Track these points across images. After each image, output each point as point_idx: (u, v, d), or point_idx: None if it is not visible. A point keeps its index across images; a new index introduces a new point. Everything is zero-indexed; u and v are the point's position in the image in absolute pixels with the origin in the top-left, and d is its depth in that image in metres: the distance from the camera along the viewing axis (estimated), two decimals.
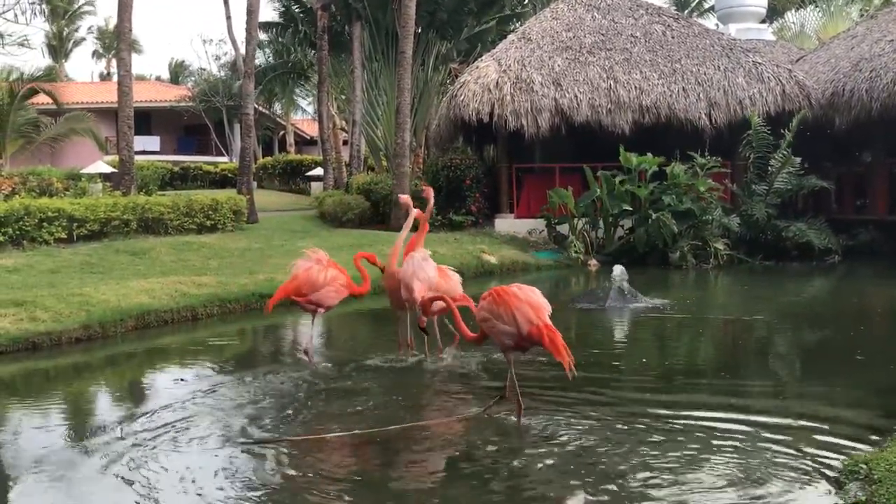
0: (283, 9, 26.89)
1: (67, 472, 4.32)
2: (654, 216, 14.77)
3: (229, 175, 31.90)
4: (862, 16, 26.08)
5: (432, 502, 4.03)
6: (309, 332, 6.74)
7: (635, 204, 15.65)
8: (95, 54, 54.60)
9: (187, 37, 76.25)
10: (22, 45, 26.05)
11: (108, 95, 32.57)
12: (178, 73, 48.86)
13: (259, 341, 8.96)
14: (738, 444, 4.56)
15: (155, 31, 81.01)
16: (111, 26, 46.14)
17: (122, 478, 4.17)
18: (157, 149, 38.05)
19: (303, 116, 46.05)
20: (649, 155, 15.70)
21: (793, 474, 4.09)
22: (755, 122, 16.26)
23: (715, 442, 4.61)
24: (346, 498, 4.01)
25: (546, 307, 4.69)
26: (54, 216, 12.74)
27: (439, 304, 5.44)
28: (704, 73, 17.91)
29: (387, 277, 6.69)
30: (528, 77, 17.66)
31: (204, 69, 43.05)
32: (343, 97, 30.32)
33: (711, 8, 34.66)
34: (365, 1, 22.87)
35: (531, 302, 4.66)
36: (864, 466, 3.91)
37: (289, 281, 6.46)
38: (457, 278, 6.69)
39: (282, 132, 43.81)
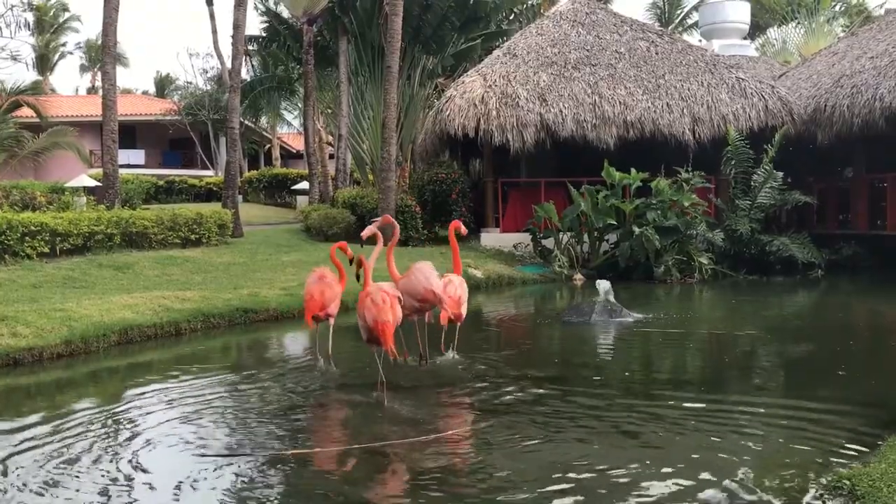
0: (266, 23, 26.91)
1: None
2: (637, 231, 14.83)
3: (214, 189, 31.82)
4: (843, 32, 26.40)
5: None
6: (320, 343, 7.06)
7: (620, 219, 15.72)
8: (82, 68, 54.47)
9: (174, 51, 76.11)
10: (15, 59, 25.97)
11: (92, 109, 32.45)
12: (163, 86, 48.78)
13: (242, 356, 8.89)
14: (719, 459, 4.57)
15: (143, 46, 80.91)
16: (98, 40, 46.03)
17: (94, 489, 4.15)
18: (142, 162, 37.92)
19: (289, 130, 46.03)
20: (633, 170, 15.79)
21: (775, 490, 4.09)
22: (733, 137, 16.41)
23: (696, 456, 4.61)
24: None
25: (387, 312, 5.81)
26: (37, 230, 12.64)
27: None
28: (688, 89, 18.06)
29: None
30: (513, 92, 17.75)
31: (190, 83, 43.01)
32: (329, 111, 30.36)
33: (695, 24, 35.01)
34: (351, 16, 22.93)
35: (378, 305, 5.83)
36: (848, 482, 3.92)
37: (315, 298, 6.71)
38: (457, 281, 7.11)
39: (267, 146, 43.76)
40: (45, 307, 8.77)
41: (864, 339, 9.59)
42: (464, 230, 7.66)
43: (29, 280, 11.11)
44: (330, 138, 31.87)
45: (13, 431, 5.36)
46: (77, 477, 4.44)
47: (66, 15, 48.95)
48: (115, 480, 4.38)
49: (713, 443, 4.92)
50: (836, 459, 4.50)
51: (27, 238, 12.50)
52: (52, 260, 12.62)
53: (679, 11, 39.02)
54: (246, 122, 34.33)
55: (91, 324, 8.37)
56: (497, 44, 24.05)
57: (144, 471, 4.56)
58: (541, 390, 6.35)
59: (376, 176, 21.10)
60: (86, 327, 8.24)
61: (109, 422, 5.67)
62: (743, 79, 18.39)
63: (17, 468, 4.59)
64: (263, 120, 40.45)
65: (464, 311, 7.14)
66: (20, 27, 32.18)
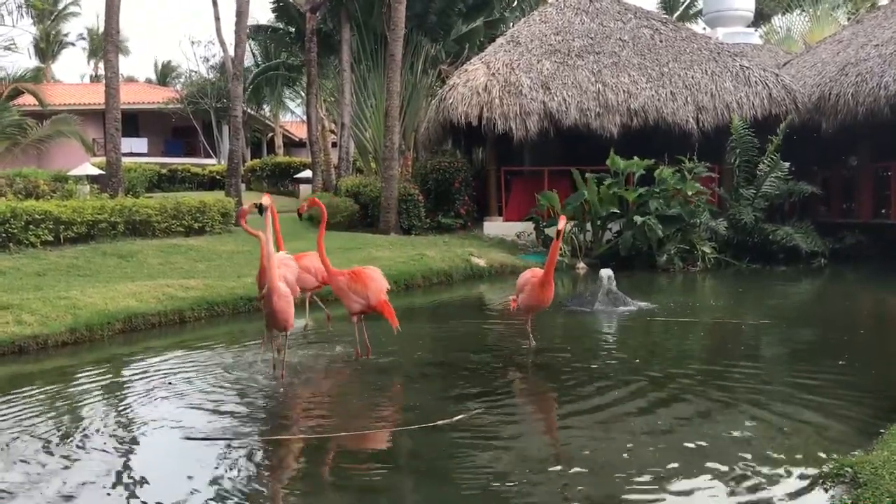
0: (272, 10, 26.81)
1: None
2: (640, 220, 14.81)
3: (217, 177, 31.82)
4: (849, 20, 26.28)
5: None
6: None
7: (623, 207, 15.70)
8: (88, 53, 54.19)
9: (177, 39, 75.87)
10: (9, 48, 25.91)
11: (95, 97, 32.44)
12: (165, 74, 48.63)
13: (244, 344, 8.90)
14: (720, 446, 4.59)
15: (146, 34, 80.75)
16: (100, 28, 45.90)
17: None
18: (145, 150, 37.89)
19: (291, 118, 45.97)
20: (636, 158, 15.76)
21: (777, 478, 4.11)
22: (737, 126, 16.36)
23: (698, 442, 4.63)
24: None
25: (384, 288, 6.56)
26: (41, 218, 12.65)
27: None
28: (692, 77, 18.00)
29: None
30: (516, 80, 17.70)
31: (193, 71, 42.93)
32: (332, 99, 30.30)
33: (699, 12, 34.84)
34: (354, 3, 22.86)
35: (379, 283, 6.51)
36: (850, 470, 3.93)
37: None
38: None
39: (270, 134, 43.70)
40: (50, 295, 8.79)
41: (866, 327, 9.59)
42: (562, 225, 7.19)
43: (33, 268, 11.13)
44: (333, 126, 31.81)
45: (14, 415, 5.40)
46: (70, 459, 4.52)
47: (67, 2, 48.79)
48: (106, 463, 4.48)
49: (714, 430, 4.94)
50: (838, 447, 4.52)
51: (31, 226, 12.51)
52: (56, 248, 12.64)
53: None
54: (249, 110, 34.30)
55: (95, 312, 8.40)
56: (500, 31, 23.98)
57: (134, 453, 4.68)
58: (542, 379, 6.37)
59: (379, 164, 21.09)
60: (90, 315, 8.28)
61: (106, 407, 5.72)
62: (747, 67, 18.32)
63: (15, 450, 4.69)
64: (266, 108, 40.44)
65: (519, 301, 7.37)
66: (22, 15, 32.08)
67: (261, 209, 6.00)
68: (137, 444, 4.86)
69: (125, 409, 5.69)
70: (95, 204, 13.97)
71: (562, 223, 6.87)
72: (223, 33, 31.65)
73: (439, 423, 5.05)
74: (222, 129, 35.77)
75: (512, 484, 4.12)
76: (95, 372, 6.96)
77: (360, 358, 6.82)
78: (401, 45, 18.58)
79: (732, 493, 3.94)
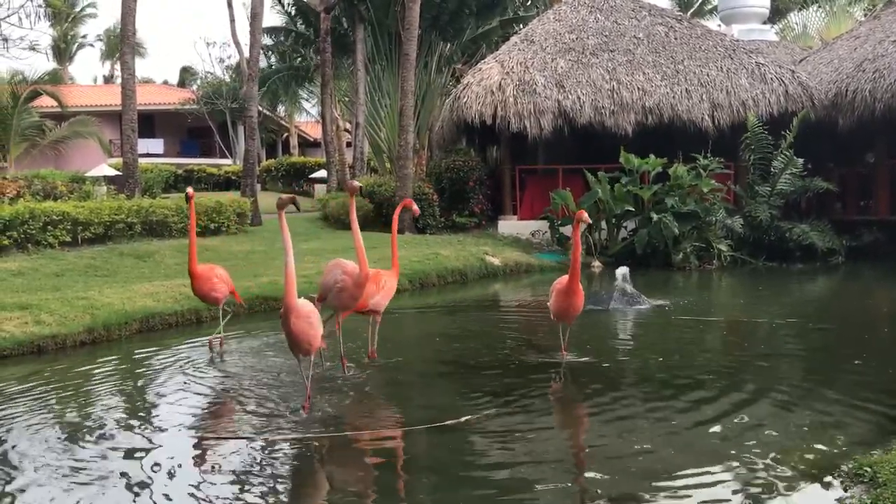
0: (286, 11, 26.92)
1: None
2: (656, 217, 14.75)
3: (233, 177, 31.97)
4: (866, 16, 26.05)
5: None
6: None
7: (638, 205, 15.65)
8: (102, 56, 54.59)
9: (192, 40, 76.21)
10: (34, 48, 26.07)
11: (111, 98, 32.64)
12: (185, 78, 48.89)
13: (258, 343, 8.94)
14: (739, 446, 4.57)
15: (164, 35, 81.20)
16: (116, 29, 46.17)
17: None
18: (161, 151, 38.09)
19: (306, 119, 46.10)
20: (651, 156, 15.71)
21: (796, 477, 4.09)
22: (752, 123, 16.28)
23: (718, 443, 4.61)
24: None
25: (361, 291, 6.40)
26: (59, 219, 12.77)
27: None
28: (707, 75, 17.91)
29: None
30: (530, 79, 17.67)
31: (209, 72, 43.14)
32: (347, 99, 30.37)
33: (714, 9, 34.64)
34: (368, 3, 22.90)
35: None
36: (869, 469, 3.91)
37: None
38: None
39: (285, 134, 43.85)
40: (68, 295, 8.88)
41: (883, 327, 9.51)
42: (585, 218, 6.52)
43: (51, 269, 11.23)
44: (347, 126, 31.90)
45: (31, 414, 5.45)
46: (86, 460, 4.56)
47: (83, 3, 49.16)
48: (121, 463, 4.52)
49: (732, 428, 4.91)
50: (856, 446, 4.48)
51: (49, 227, 12.63)
52: (73, 249, 12.75)
53: None
54: (264, 110, 34.42)
55: (113, 312, 8.47)
56: (514, 30, 23.95)
57: (148, 453, 4.70)
58: (558, 378, 6.36)
59: (394, 164, 21.12)
60: (108, 315, 8.35)
61: (121, 407, 5.77)
62: (763, 64, 18.21)
63: (33, 449, 4.73)
64: (281, 108, 40.56)
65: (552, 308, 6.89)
66: (39, 17, 32.36)
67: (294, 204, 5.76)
68: (152, 443, 4.89)
69: (140, 409, 5.75)
70: (112, 205, 14.08)
71: (581, 215, 6.36)
72: (238, 35, 31.85)
73: (448, 422, 5.05)
74: (238, 129, 35.91)
75: (528, 483, 4.13)
76: (112, 372, 7.01)
77: (373, 358, 6.82)
78: (415, 44, 18.60)
79: (750, 492, 3.92)
